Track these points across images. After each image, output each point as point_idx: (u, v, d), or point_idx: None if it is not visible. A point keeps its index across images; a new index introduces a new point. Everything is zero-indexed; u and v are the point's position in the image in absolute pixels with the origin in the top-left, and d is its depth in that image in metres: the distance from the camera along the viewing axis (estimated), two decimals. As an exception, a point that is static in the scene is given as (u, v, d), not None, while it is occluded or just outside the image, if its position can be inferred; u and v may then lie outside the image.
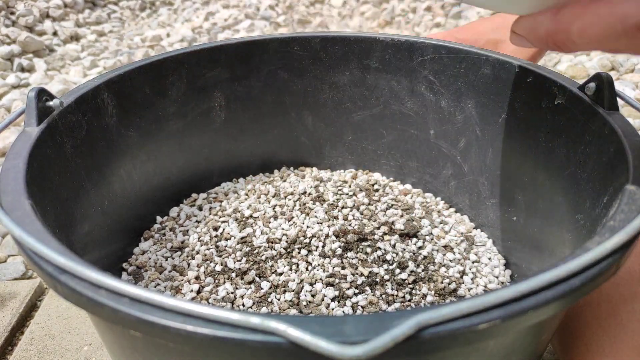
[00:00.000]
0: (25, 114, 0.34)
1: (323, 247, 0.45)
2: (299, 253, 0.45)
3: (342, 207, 0.50)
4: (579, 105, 0.36)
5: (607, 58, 0.99)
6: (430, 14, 1.39)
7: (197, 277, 0.43)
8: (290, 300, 0.40)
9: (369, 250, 0.45)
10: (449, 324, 0.19)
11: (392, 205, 0.51)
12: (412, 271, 0.43)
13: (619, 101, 0.35)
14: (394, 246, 0.46)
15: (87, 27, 1.34)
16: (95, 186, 0.40)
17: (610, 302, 0.32)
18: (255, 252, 0.45)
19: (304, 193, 0.53)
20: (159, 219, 0.50)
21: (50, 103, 0.36)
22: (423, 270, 0.43)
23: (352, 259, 0.44)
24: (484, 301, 0.19)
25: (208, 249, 0.46)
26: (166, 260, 0.45)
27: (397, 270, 0.43)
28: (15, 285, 0.51)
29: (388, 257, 0.44)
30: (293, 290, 0.41)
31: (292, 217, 0.49)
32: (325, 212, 0.49)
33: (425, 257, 0.45)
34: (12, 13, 1.21)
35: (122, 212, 0.45)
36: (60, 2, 1.35)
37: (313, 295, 0.40)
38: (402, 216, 0.49)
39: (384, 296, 0.40)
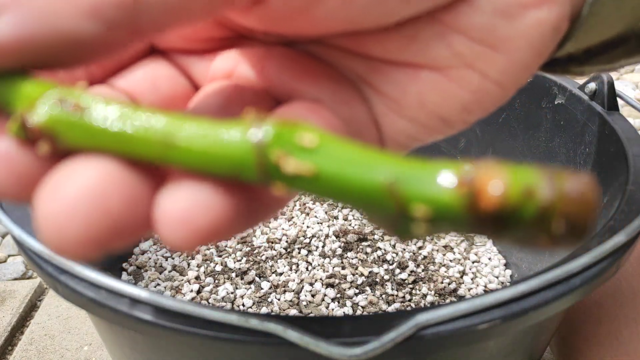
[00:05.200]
0: None
1: (323, 247, 0.45)
2: (299, 253, 0.45)
3: (342, 207, 0.50)
4: (579, 105, 0.36)
5: (607, 58, 0.99)
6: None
7: (197, 277, 0.43)
8: (290, 300, 0.40)
9: (369, 250, 0.45)
10: (449, 324, 0.19)
11: (392, 205, 0.51)
12: (412, 271, 0.43)
13: (619, 101, 0.35)
14: (394, 246, 0.46)
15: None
16: (95, 186, 0.40)
17: (612, 321, 0.31)
18: (255, 252, 0.45)
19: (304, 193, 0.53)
20: (159, 219, 0.50)
21: (50, 103, 0.36)
22: (423, 270, 0.43)
23: (352, 259, 0.44)
24: (484, 301, 0.19)
25: (208, 249, 0.46)
26: (166, 260, 0.45)
27: (397, 270, 0.43)
28: (15, 285, 0.51)
29: (388, 257, 0.44)
30: (293, 290, 0.41)
31: (292, 217, 0.49)
32: (325, 212, 0.49)
33: (425, 257, 0.45)
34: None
35: (122, 212, 0.45)
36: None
37: (313, 295, 0.41)
38: (402, 216, 0.49)
39: (384, 296, 0.41)
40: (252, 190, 0.10)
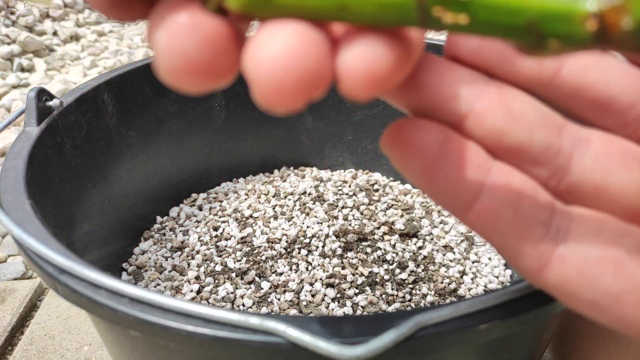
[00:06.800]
0: (25, 114, 0.34)
1: (323, 247, 0.45)
2: (299, 253, 0.45)
3: (342, 207, 0.50)
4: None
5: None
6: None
7: (197, 277, 0.43)
8: (290, 300, 0.40)
9: (369, 250, 0.45)
10: (449, 324, 0.19)
11: (392, 205, 0.51)
12: (412, 271, 0.43)
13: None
14: (394, 246, 0.46)
15: (87, 27, 1.34)
16: (95, 186, 0.40)
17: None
18: (255, 252, 0.45)
19: (304, 193, 0.53)
20: (159, 219, 0.50)
21: (50, 103, 0.36)
22: (423, 270, 0.43)
23: (352, 259, 0.44)
24: (484, 301, 0.19)
25: (208, 249, 0.46)
26: (166, 260, 0.45)
27: (397, 270, 0.43)
28: (15, 285, 0.51)
29: (388, 257, 0.44)
30: (293, 290, 0.41)
31: (292, 217, 0.49)
32: (325, 212, 0.49)
33: (425, 257, 0.45)
34: (12, 13, 1.21)
35: (122, 212, 0.45)
36: (60, 2, 1.35)
37: (313, 295, 0.40)
38: (402, 216, 0.49)
39: (384, 296, 0.40)
40: (406, 40, 0.12)
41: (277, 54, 0.11)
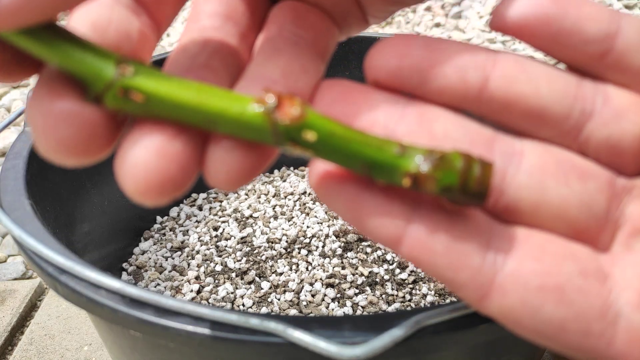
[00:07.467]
0: (25, 114, 0.34)
1: (323, 247, 0.45)
2: (299, 253, 0.45)
3: (342, 207, 0.50)
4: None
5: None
6: (430, 13, 1.39)
7: (197, 277, 0.43)
8: (290, 300, 0.40)
9: (369, 250, 0.45)
10: (449, 324, 0.19)
11: (392, 205, 0.51)
12: (412, 271, 0.43)
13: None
14: (394, 246, 0.46)
15: (87, 27, 1.34)
16: (95, 186, 0.40)
17: None
18: (255, 252, 0.45)
19: (304, 193, 0.53)
20: (159, 219, 0.50)
21: (50, 103, 0.36)
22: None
23: (352, 258, 0.44)
24: (484, 301, 0.19)
25: (208, 249, 0.46)
26: (166, 260, 0.45)
27: (397, 270, 0.43)
28: (15, 285, 0.51)
29: (388, 257, 0.44)
30: (293, 290, 0.41)
31: (292, 217, 0.49)
32: (325, 212, 0.49)
33: (425, 257, 0.45)
34: (12, 13, 1.21)
35: (122, 212, 0.45)
36: (61, 2, 1.35)
37: (313, 295, 0.41)
38: (402, 216, 0.49)
39: (384, 296, 0.41)
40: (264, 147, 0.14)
41: (136, 169, 0.13)
